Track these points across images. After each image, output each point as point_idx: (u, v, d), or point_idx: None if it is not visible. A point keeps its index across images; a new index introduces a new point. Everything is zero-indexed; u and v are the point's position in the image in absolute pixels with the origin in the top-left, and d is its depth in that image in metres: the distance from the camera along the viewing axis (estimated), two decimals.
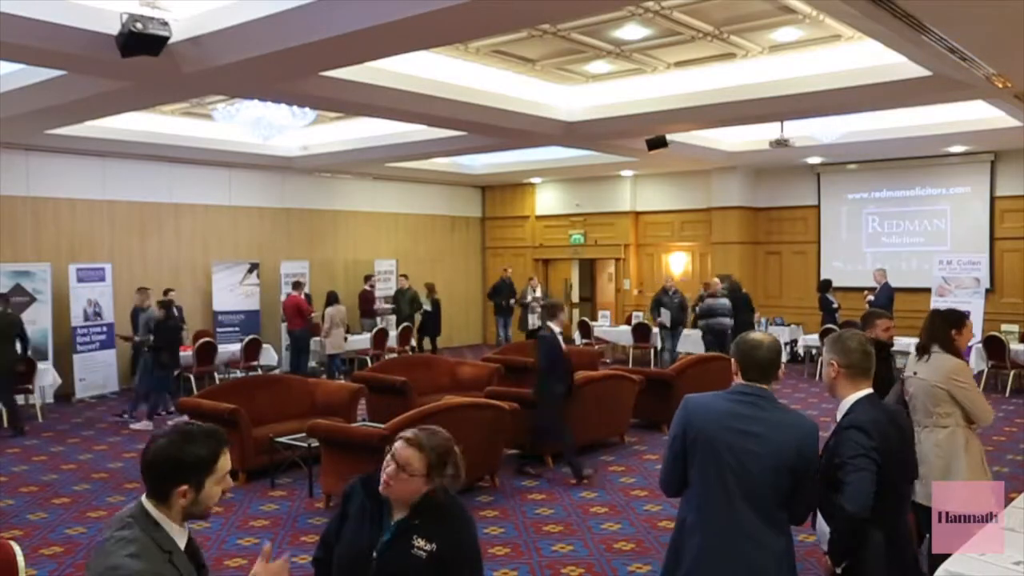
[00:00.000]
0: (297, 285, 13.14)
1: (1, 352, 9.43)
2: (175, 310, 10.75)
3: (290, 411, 7.96)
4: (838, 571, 2.91)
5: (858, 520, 2.81)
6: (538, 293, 15.81)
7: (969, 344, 11.77)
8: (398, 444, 2.60)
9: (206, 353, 11.82)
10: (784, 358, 13.63)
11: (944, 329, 4.36)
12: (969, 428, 4.27)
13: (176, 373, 10.85)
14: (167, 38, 5.95)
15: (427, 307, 14.92)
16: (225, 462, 2.24)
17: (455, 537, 2.57)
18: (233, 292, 13.79)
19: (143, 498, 2.16)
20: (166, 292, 11.52)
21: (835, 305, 13.23)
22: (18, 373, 9.89)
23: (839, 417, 3.05)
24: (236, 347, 12.52)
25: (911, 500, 3.09)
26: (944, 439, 4.22)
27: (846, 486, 2.81)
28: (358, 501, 2.68)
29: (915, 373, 4.40)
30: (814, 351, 12.94)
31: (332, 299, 13.04)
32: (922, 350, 4.40)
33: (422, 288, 15.14)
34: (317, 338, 13.16)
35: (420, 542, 2.53)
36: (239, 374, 11.89)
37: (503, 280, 16.08)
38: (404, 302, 14.90)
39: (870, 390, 3.04)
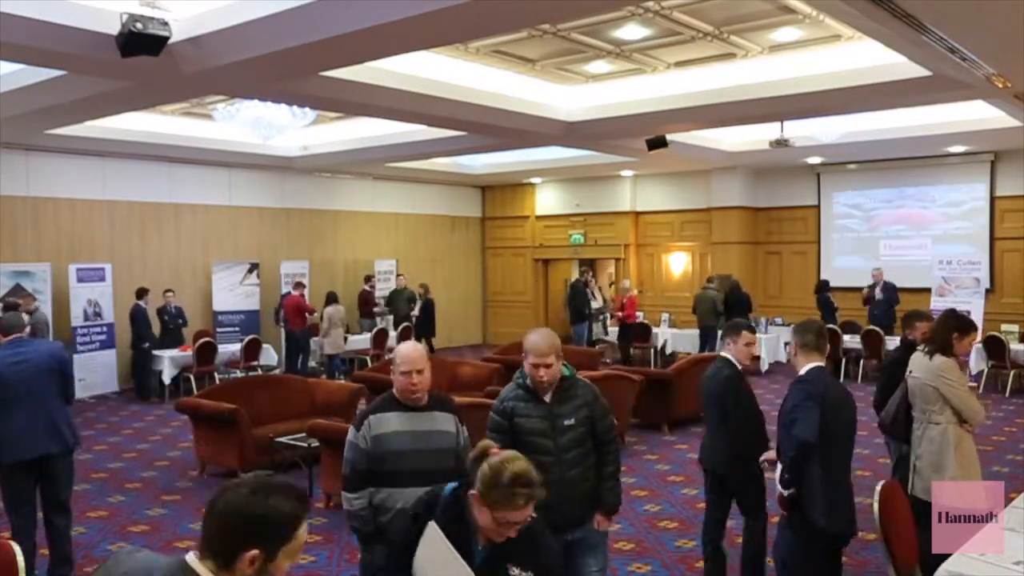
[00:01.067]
0: (298, 285, 13.15)
1: None
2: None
3: (290, 411, 7.96)
4: (786, 493, 3.62)
5: (808, 445, 3.50)
6: (598, 302, 14.71)
7: None
8: (517, 516, 2.45)
9: (206, 353, 11.82)
10: (784, 358, 13.65)
11: (946, 331, 4.45)
12: (962, 427, 4.37)
13: None
14: (167, 38, 5.95)
15: (413, 310, 14.79)
16: (304, 532, 1.83)
17: (547, 564, 2.56)
18: (233, 292, 13.79)
19: (190, 556, 1.81)
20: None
21: (835, 305, 13.23)
22: None
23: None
24: (236, 347, 12.52)
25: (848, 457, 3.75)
26: (936, 435, 4.37)
27: (797, 422, 3.54)
28: (443, 521, 2.58)
29: (911, 372, 4.58)
30: None
31: (331, 299, 13.04)
32: (928, 349, 4.51)
33: (419, 288, 15.14)
34: (317, 338, 13.16)
35: (516, 571, 2.49)
36: (239, 374, 11.90)
37: (580, 283, 14.70)
38: (401, 302, 14.89)
39: (822, 363, 3.76)
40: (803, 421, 3.51)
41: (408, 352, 3.40)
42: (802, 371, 3.72)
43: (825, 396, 3.58)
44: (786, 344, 13.77)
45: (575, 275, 17.67)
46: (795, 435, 3.53)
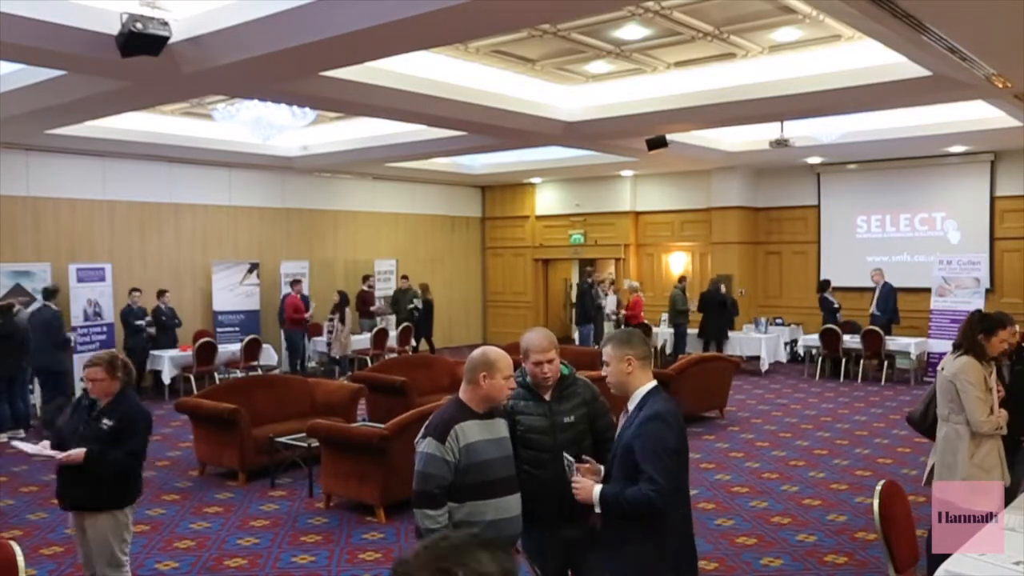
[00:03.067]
0: (295, 283, 13.13)
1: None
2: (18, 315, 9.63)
3: (290, 411, 7.97)
4: (597, 510, 3.02)
5: (658, 510, 2.91)
6: (611, 303, 14.42)
7: None
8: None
9: (206, 353, 11.82)
10: (784, 358, 13.69)
11: (972, 332, 4.41)
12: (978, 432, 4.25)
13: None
14: (167, 38, 5.95)
15: (417, 305, 14.87)
16: None
17: None
18: (233, 292, 13.79)
19: None
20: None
21: (836, 305, 13.24)
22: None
23: (631, 407, 3.08)
24: (236, 347, 12.52)
25: None
26: (952, 435, 4.32)
27: (655, 481, 2.88)
28: None
29: (942, 369, 4.48)
30: (814, 351, 12.95)
31: (347, 301, 13.04)
32: (955, 348, 4.48)
33: (418, 288, 15.15)
34: (320, 338, 13.17)
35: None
36: (239, 374, 11.89)
37: (585, 284, 14.57)
38: (405, 302, 14.91)
39: (656, 382, 3.14)
40: (664, 482, 2.94)
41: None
42: (639, 393, 3.08)
43: (679, 435, 3.07)
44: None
45: (575, 275, 17.71)
46: (651, 498, 2.89)
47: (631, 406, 3.09)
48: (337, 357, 13.12)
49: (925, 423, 4.70)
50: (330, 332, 13.25)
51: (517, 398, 3.51)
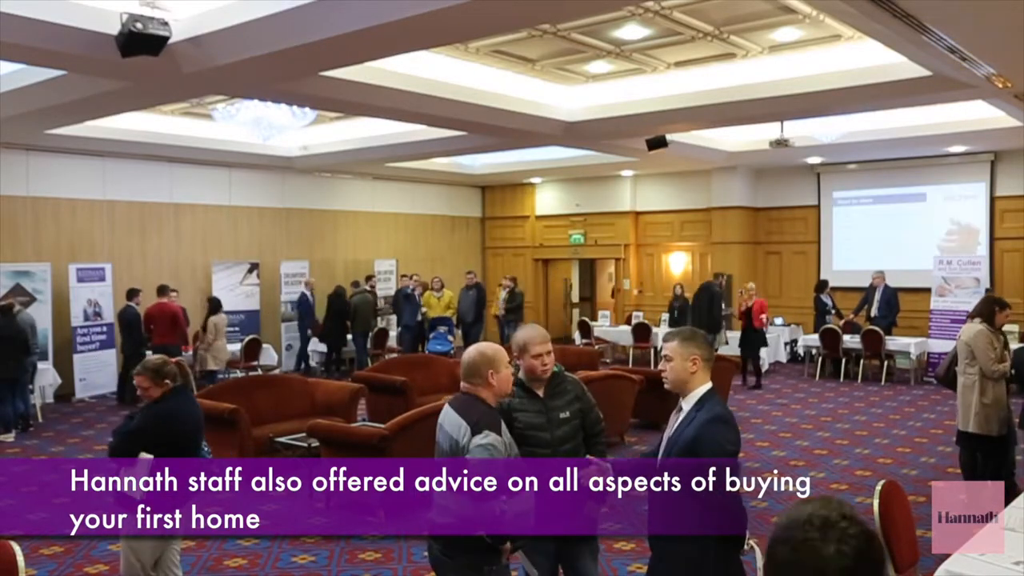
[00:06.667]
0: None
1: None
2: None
3: (290, 411, 7.97)
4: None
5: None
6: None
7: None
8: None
9: None
10: (784, 358, 13.68)
11: (989, 306, 6.07)
12: (989, 379, 5.86)
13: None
14: (167, 38, 5.95)
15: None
16: None
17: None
18: (233, 292, 13.78)
19: None
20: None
21: (829, 307, 13.19)
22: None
23: (688, 407, 3.08)
24: (236, 347, 12.51)
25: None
26: (968, 383, 5.98)
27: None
28: None
29: (960, 336, 6.19)
30: (814, 351, 12.94)
31: (218, 307, 12.32)
32: (971, 317, 6.17)
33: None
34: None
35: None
36: (239, 374, 11.89)
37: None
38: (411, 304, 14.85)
39: (711, 383, 3.14)
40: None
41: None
42: (696, 393, 3.08)
43: (736, 437, 3.12)
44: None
45: (575, 276, 17.66)
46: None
47: (687, 405, 3.09)
48: (210, 370, 11.77)
49: (948, 378, 6.33)
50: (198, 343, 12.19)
51: (511, 396, 3.53)
